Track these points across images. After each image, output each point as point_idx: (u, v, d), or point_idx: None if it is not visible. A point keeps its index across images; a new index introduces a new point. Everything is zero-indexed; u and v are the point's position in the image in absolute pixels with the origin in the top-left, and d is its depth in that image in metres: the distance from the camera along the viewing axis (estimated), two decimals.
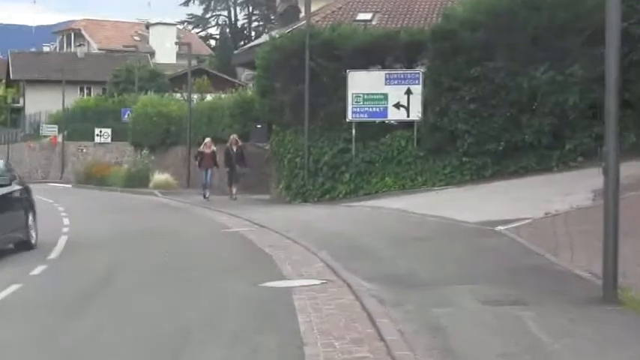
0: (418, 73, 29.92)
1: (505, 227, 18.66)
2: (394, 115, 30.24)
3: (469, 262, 15.16)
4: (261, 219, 24.58)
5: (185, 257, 18.09)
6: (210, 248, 19.45)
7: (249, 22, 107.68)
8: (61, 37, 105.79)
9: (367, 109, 30.33)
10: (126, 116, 58.60)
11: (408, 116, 30.01)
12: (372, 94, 30.22)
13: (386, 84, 30.14)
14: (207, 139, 37.25)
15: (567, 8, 27.44)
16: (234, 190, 34.80)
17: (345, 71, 30.29)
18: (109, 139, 64.60)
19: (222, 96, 45.76)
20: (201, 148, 37.07)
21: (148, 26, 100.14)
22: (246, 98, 39.77)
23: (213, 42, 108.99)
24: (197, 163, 37.40)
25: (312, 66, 30.79)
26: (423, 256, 16.06)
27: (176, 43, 50.36)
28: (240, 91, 43.93)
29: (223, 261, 17.36)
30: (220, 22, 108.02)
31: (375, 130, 30.67)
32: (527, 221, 19.14)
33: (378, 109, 30.29)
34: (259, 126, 36.78)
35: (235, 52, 58.29)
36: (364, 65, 30.51)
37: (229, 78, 71.90)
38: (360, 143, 30.59)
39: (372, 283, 13.09)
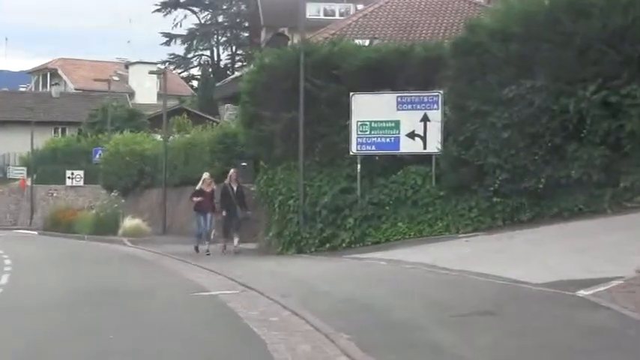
0: (437, 96, 24.24)
1: (590, 291, 13.09)
2: (408, 147, 24.52)
3: None
4: (248, 276, 18.76)
5: (138, 341, 12.12)
6: (175, 326, 13.44)
7: (232, 63, 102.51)
8: (36, 77, 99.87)
9: (375, 139, 24.68)
10: (97, 156, 52.82)
11: (425, 148, 24.32)
12: (381, 121, 24.65)
13: (398, 109, 24.52)
14: (206, 175, 29.38)
15: (625, 12, 21.74)
16: (235, 241, 27.44)
17: (348, 94, 24.56)
18: (81, 182, 58.96)
19: (201, 131, 39.86)
20: (199, 186, 29.07)
21: (127, 66, 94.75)
22: (228, 132, 34.19)
23: (195, 83, 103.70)
24: (193, 204, 29.32)
25: (308, 88, 25.13)
26: (507, 346, 10.15)
27: (151, 72, 44.74)
28: (223, 123, 38.05)
29: (190, 349, 11.40)
30: (202, 62, 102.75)
31: (385, 166, 25.03)
32: (617, 282, 13.54)
33: (388, 140, 24.62)
34: (244, 164, 31.22)
35: (218, 84, 52.53)
36: (371, 87, 24.85)
37: (211, 118, 66.21)
38: (366, 181, 24.89)
39: None
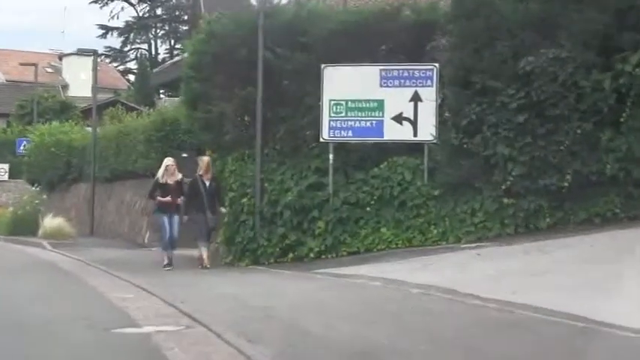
0: (431, 69, 18.84)
1: None
2: (394, 134, 19.08)
3: None
4: (195, 301, 13.16)
5: None
6: None
7: (171, 56, 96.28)
8: None
9: (352, 123, 19.23)
10: (21, 148, 46.68)
11: (416, 135, 18.93)
12: (360, 100, 19.18)
13: (381, 85, 19.09)
14: (170, 161, 20.42)
15: None
16: (204, 254, 19.76)
17: (319, 66, 19.06)
18: (5, 177, 52.55)
19: (136, 118, 33.84)
20: (160, 176, 20.18)
21: (61, 57, 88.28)
22: (167, 119, 28.36)
23: (132, 77, 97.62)
24: (155, 203, 20.53)
25: (269, 59, 19.62)
26: None
27: (80, 51, 38.66)
28: (161, 108, 32.17)
29: None
30: (140, 56, 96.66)
31: (365, 156, 19.55)
32: None
33: (368, 124, 19.19)
34: (185, 155, 25.68)
35: (156, 70, 46.63)
36: (348, 58, 19.39)
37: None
38: (340, 175, 19.41)
39: None
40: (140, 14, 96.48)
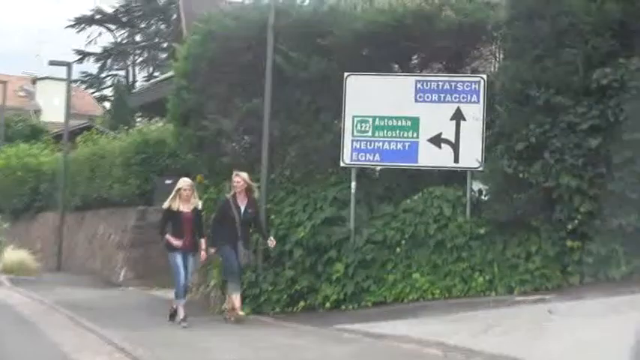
0: (478, 82, 15.44)
1: None
2: (431, 159, 15.64)
3: None
4: None
5: None
6: None
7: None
8: None
9: (380, 145, 15.82)
10: None
11: (457, 161, 15.45)
12: (391, 117, 15.69)
13: (417, 100, 15.66)
14: (185, 183, 15.66)
15: None
16: (236, 300, 15.31)
17: (341, 75, 15.60)
18: None
19: (112, 140, 30.12)
20: (171, 203, 15.57)
21: (34, 81, 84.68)
22: (149, 139, 24.82)
23: (108, 105, 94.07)
24: (164, 237, 15.56)
25: (280, 65, 16.10)
26: None
27: (51, 63, 34.99)
28: (143, 128, 28.57)
29: None
30: (117, 82, 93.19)
31: (394, 186, 16.11)
32: None
33: (400, 147, 15.75)
34: (169, 181, 22.20)
35: (135, 90, 42.98)
36: (376, 66, 15.90)
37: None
38: (364, 208, 15.90)
39: None
40: (118, 40, 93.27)
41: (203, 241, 15.46)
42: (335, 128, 16.07)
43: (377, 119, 15.73)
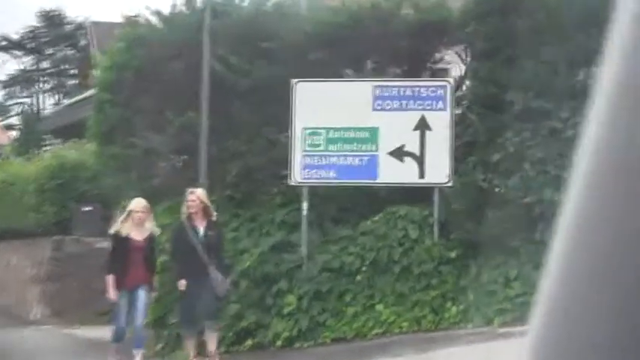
0: (444, 86, 13.74)
1: None
2: (392, 174, 13.92)
3: None
4: None
5: None
6: None
7: None
8: None
9: (335, 160, 13.96)
10: None
11: (423, 176, 13.67)
12: (347, 129, 13.87)
13: (375, 108, 13.88)
14: (138, 204, 13.25)
15: None
16: (211, 341, 13.05)
17: (288, 82, 13.74)
18: None
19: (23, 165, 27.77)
20: (120, 227, 13.21)
21: None
22: (65, 163, 22.71)
23: (14, 133, 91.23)
24: (108, 269, 13.10)
25: (218, 72, 14.19)
26: None
27: None
28: (57, 151, 26.37)
29: None
30: (23, 110, 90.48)
31: (351, 206, 14.26)
32: None
33: (358, 162, 13.91)
34: (88, 208, 20.14)
35: (47, 112, 40.72)
36: (328, 71, 14.04)
37: None
38: (317, 232, 14.04)
39: None
40: (24, 67, 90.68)
41: (154, 280, 13.19)
42: (281, 143, 14.20)
43: (330, 131, 13.96)
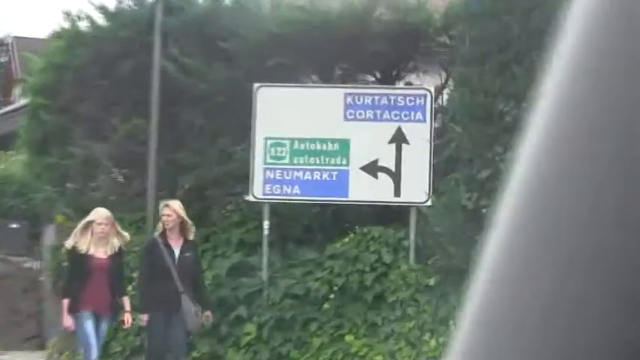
0: (424, 95, 12.44)
1: None
2: (364, 191, 12.61)
3: None
4: None
5: None
6: None
7: None
8: None
9: (300, 174, 12.54)
10: None
11: (399, 194, 12.35)
12: (314, 140, 12.48)
13: (347, 118, 12.50)
14: (99, 215, 11.15)
15: None
16: None
17: (249, 87, 12.32)
18: None
19: None
20: (78, 241, 10.95)
21: None
22: None
23: None
24: (63, 292, 11.31)
25: (170, 74, 12.68)
26: None
27: None
28: None
29: None
30: None
31: (317, 226, 12.88)
32: None
33: (326, 177, 12.58)
34: (15, 225, 18.70)
35: None
36: (294, 75, 12.70)
37: None
38: (280, 254, 12.62)
39: None
40: None
41: (126, 300, 11.27)
42: (239, 154, 12.75)
43: (295, 142, 12.54)
